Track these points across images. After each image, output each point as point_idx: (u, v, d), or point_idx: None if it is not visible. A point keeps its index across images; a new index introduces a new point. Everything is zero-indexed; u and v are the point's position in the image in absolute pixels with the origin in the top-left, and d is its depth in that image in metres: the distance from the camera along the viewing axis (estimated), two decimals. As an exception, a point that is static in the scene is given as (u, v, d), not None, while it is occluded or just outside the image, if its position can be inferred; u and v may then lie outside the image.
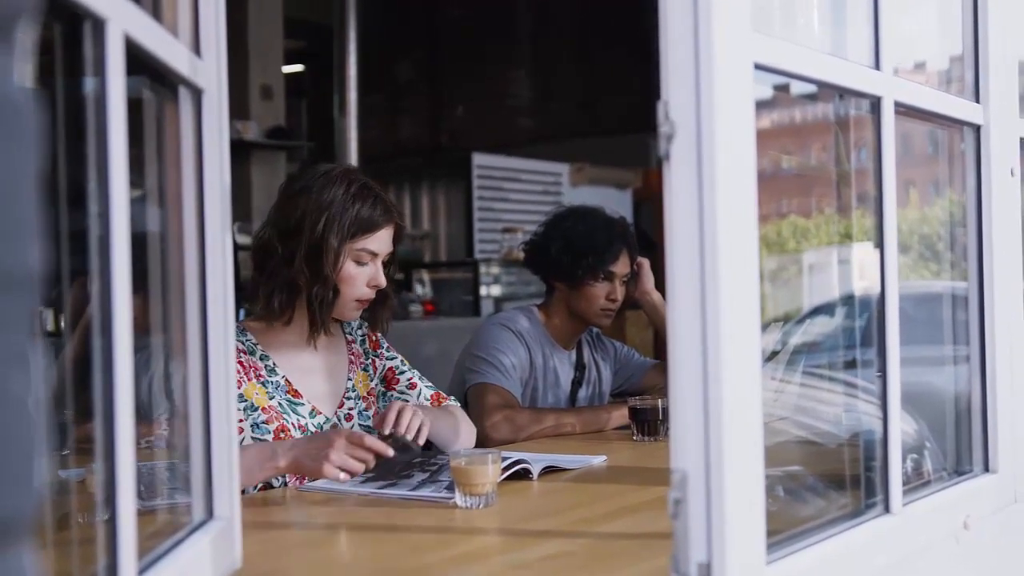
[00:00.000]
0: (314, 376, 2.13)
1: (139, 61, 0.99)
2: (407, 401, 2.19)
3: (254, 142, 6.71)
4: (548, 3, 8.73)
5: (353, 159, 6.46)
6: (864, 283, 1.48)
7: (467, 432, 2.25)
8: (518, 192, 7.79)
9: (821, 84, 1.32)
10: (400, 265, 2.34)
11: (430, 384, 2.30)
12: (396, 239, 2.12)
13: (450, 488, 1.73)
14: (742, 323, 1.05)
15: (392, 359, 2.28)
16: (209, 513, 1.23)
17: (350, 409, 2.15)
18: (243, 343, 2.05)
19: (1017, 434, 1.64)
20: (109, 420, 0.89)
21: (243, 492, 1.78)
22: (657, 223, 6.26)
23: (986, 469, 1.61)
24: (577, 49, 8.73)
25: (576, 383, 2.83)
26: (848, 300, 1.60)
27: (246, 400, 2.00)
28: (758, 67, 1.10)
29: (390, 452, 1.80)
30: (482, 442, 2.46)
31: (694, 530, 1.02)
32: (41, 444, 0.62)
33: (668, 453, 1.05)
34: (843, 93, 1.41)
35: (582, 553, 1.45)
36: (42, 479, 0.63)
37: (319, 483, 1.88)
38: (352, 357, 2.21)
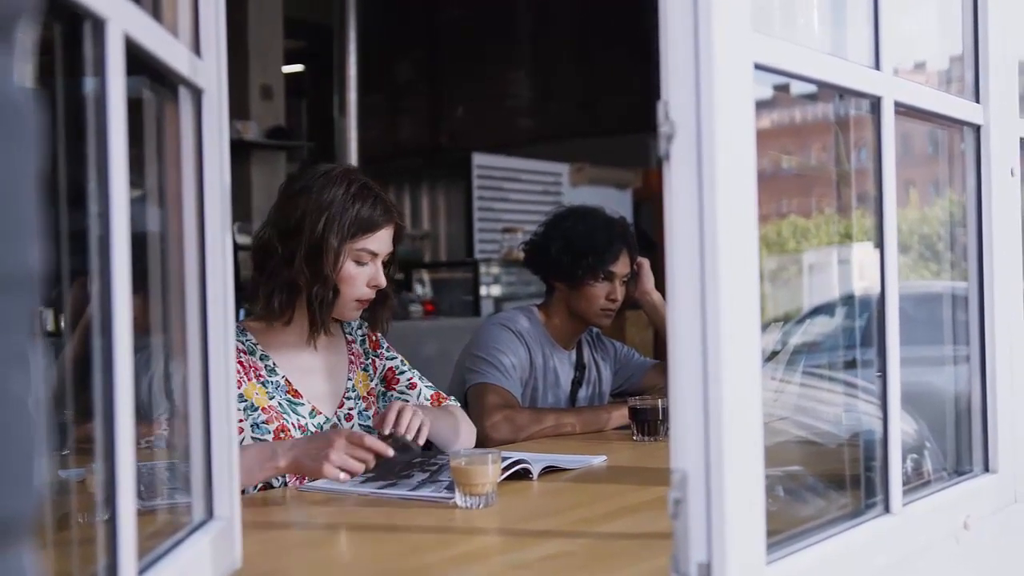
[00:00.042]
0: (314, 376, 2.13)
1: (139, 61, 0.99)
2: (407, 401, 2.19)
3: (254, 142, 6.71)
4: (548, 3, 8.73)
5: (353, 159, 6.46)
6: (864, 283, 1.48)
7: (467, 432, 2.25)
8: (518, 192, 7.79)
9: (821, 84, 1.33)
10: (400, 265, 2.34)
11: (430, 384, 2.30)
12: (396, 239, 2.12)
13: (450, 488, 1.73)
14: (742, 323, 1.05)
15: (392, 359, 2.28)
16: (209, 513, 1.23)
17: (350, 409, 2.15)
18: (243, 343, 2.05)
19: (1017, 434, 1.64)
20: (109, 420, 0.89)
21: (243, 492, 1.78)
22: (657, 223, 6.26)
23: (986, 469, 1.61)
24: (577, 49, 8.73)
25: (576, 383, 2.83)
26: (848, 300, 1.60)
27: (246, 400, 2.00)
28: (758, 67, 1.10)
29: (390, 452, 1.80)
30: (482, 442, 2.46)
31: (694, 530, 1.02)
32: (41, 444, 0.62)
33: (668, 453, 1.05)
34: (843, 93, 1.41)
35: (582, 553, 1.45)
36: (42, 479, 0.63)
37: (319, 483, 1.88)
38: (352, 357, 2.21)
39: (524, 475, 1.94)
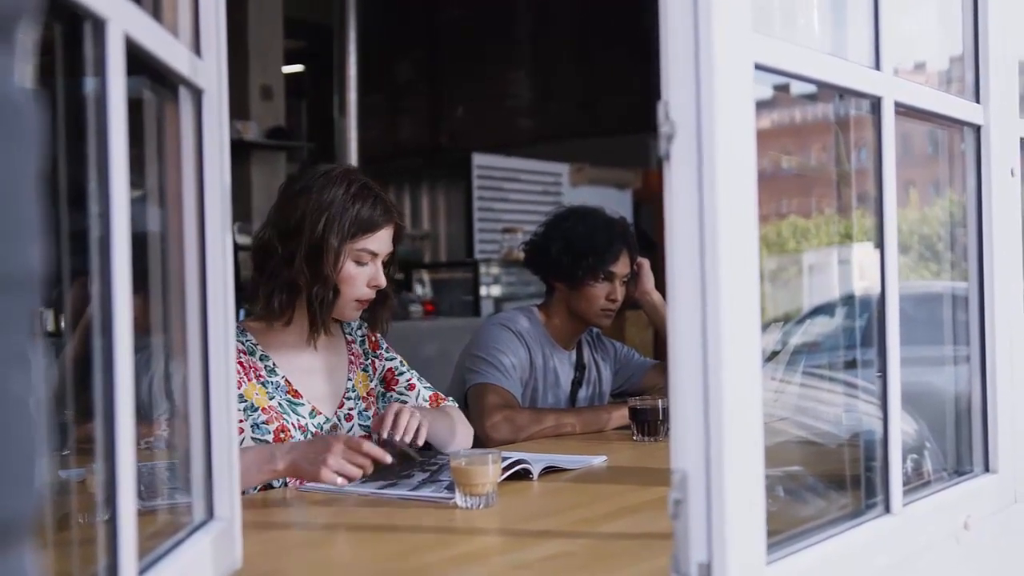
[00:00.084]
0: (314, 376, 2.13)
1: (139, 61, 0.99)
2: (406, 402, 2.19)
3: (254, 142, 6.71)
4: (548, 3, 8.73)
5: (353, 159, 6.46)
6: (864, 283, 1.48)
7: (463, 433, 2.25)
8: (518, 192, 7.79)
9: (821, 84, 1.33)
10: (400, 265, 2.34)
11: (428, 385, 2.30)
12: (396, 239, 2.12)
13: (450, 488, 1.73)
14: (742, 323, 1.05)
15: (391, 360, 2.28)
16: (209, 513, 1.23)
17: (350, 409, 2.15)
18: (243, 343, 2.05)
19: (1017, 434, 1.64)
20: (109, 420, 0.89)
21: (243, 493, 1.78)
22: (657, 223, 6.26)
23: (986, 469, 1.61)
24: (577, 49, 8.73)
25: (576, 383, 2.83)
26: (848, 300, 1.60)
27: (246, 400, 2.00)
28: (758, 67, 1.10)
29: (388, 459, 1.79)
30: (482, 442, 2.46)
31: (694, 530, 1.02)
32: (42, 444, 0.62)
33: (668, 453, 1.05)
34: (843, 93, 1.41)
35: (582, 553, 1.45)
36: (43, 479, 0.63)
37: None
38: (352, 357, 2.22)
39: (524, 475, 1.94)
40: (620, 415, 2.58)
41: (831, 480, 1.50)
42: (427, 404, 2.25)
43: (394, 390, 2.25)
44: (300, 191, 2.05)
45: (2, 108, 0.61)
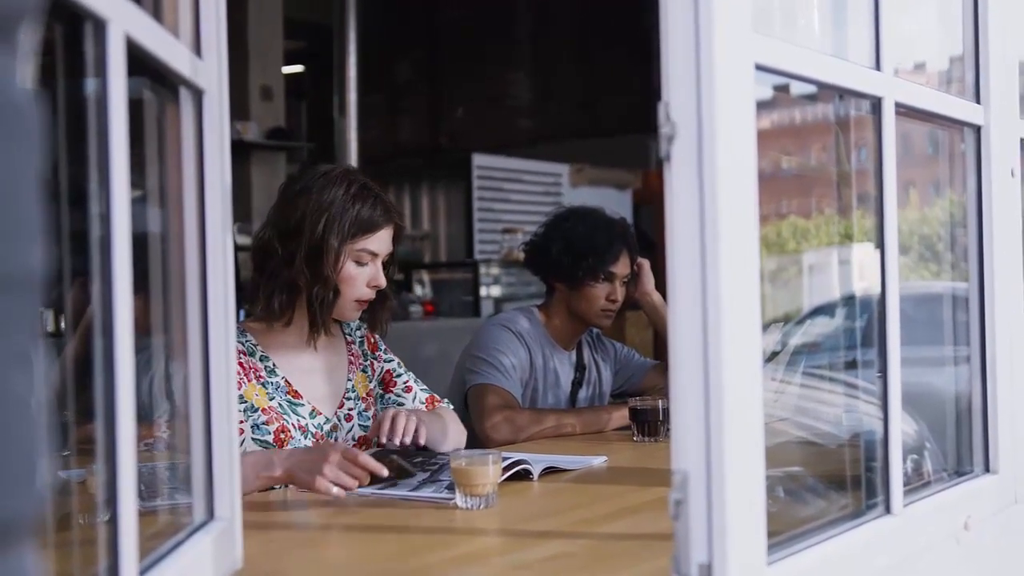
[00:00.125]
0: (314, 377, 2.13)
1: (140, 62, 0.99)
2: (403, 404, 2.20)
3: (254, 143, 6.71)
4: (548, 3, 8.73)
5: (353, 160, 6.46)
6: (864, 284, 1.48)
7: (456, 433, 2.25)
8: (518, 193, 7.79)
9: (822, 85, 1.33)
10: (400, 266, 2.34)
11: (425, 387, 2.30)
12: (396, 239, 2.12)
13: (450, 488, 1.73)
14: (742, 324, 1.05)
15: (389, 361, 2.28)
16: (210, 514, 1.23)
17: (350, 410, 2.15)
18: (243, 344, 2.05)
19: (1017, 434, 1.64)
20: (110, 421, 0.89)
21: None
22: (657, 224, 6.27)
23: (987, 470, 1.61)
24: (577, 49, 8.73)
25: (576, 384, 2.83)
26: (848, 301, 1.60)
27: (246, 401, 2.00)
28: (759, 68, 1.10)
29: (384, 472, 1.78)
30: (483, 443, 2.46)
31: (695, 531, 1.02)
32: (43, 445, 0.62)
33: (669, 454, 1.05)
34: (843, 94, 1.41)
35: (583, 554, 1.45)
36: (44, 480, 0.63)
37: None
38: (352, 358, 2.22)
39: (524, 476, 1.94)
40: (620, 415, 2.58)
41: (831, 480, 1.50)
42: (423, 407, 2.25)
43: (391, 392, 2.25)
44: (300, 191, 2.05)
45: (3, 108, 0.61)
